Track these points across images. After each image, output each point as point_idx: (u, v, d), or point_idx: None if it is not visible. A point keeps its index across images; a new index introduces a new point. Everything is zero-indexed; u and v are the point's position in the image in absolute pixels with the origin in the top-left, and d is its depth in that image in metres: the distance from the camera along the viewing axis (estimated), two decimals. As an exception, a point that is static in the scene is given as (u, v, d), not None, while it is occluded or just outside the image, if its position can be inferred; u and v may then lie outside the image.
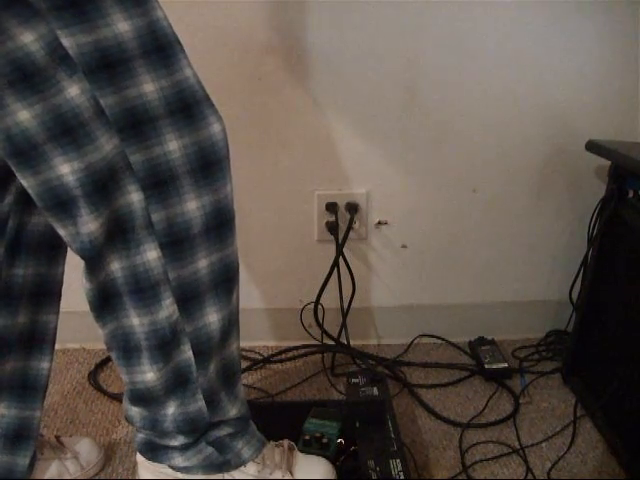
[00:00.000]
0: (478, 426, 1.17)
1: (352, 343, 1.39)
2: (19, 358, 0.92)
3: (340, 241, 1.31)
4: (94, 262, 0.76)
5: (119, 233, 0.76)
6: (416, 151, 1.30)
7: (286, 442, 0.99)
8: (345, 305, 1.36)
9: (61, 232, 0.74)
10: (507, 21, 1.21)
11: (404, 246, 1.39)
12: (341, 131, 1.27)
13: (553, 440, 1.14)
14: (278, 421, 1.04)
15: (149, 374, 0.83)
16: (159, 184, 0.75)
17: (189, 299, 0.81)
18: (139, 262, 0.77)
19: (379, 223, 1.36)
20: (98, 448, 1.06)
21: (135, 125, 0.72)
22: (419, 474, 1.05)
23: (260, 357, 1.39)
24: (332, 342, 1.39)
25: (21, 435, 0.94)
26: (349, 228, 1.32)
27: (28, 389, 0.94)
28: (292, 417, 1.08)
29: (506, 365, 1.32)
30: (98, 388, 1.28)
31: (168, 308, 0.80)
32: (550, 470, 1.06)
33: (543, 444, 1.13)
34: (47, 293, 0.92)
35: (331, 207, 1.32)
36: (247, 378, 1.33)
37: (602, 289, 1.18)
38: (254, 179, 1.31)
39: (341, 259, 1.33)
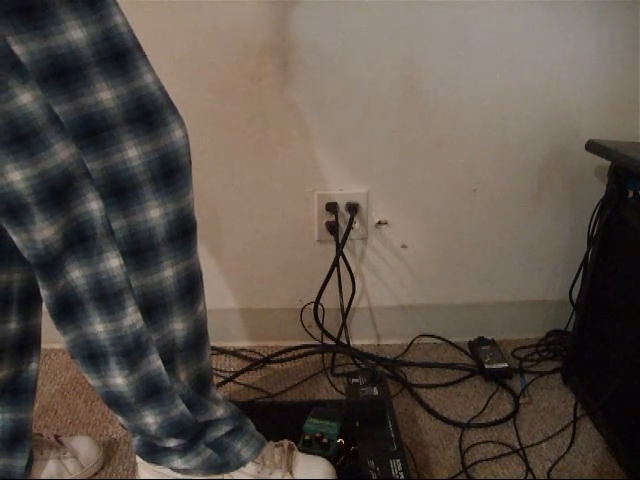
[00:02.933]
0: (478, 426, 1.17)
1: (352, 343, 1.39)
2: (11, 363, 0.92)
3: (340, 241, 1.31)
4: (50, 269, 0.75)
5: (79, 241, 0.75)
6: (416, 151, 1.30)
7: (286, 442, 0.99)
8: (345, 305, 1.36)
9: (14, 238, 0.73)
10: (507, 22, 1.21)
11: (404, 246, 1.39)
12: (341, 131, 1.27)
13: (553, 440, 1.14)
14: (278, 421, 1.04)
15: (118, 379, 0.83)
16: (119, 192, 0.74)
17: (154, 308, 0.81)
18: (101, 270, 0.76)
19: (379, 223, 1.36)
20: (98, 447, 1.06)
21: (92, 133, 0.71)
22: (419, 474, 1.05)
23: (260, 357, 1.39)
24: (332, 342, 1.39)
25: (17, 437, 0.94)
26: (349, 228, 1.32)
27: (20, 392, 0.94)
28: (292, 417, 1.08)
29: (506, 365, 1.32)
30: (98, 388, 1.28)
31: (131, 316, 0.79)
32: (550, 470, 1.06)
33: (543, 444, 1.13)
34: (37, 296, 0.91)
35: (331, 207, 1.32)
36: (247, 378, 1.33)
37: (602, 289, 1.18)
38: (254, 179, 1.31)
39: (341, 259, 1.33)
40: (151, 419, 0.86)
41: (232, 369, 1.35)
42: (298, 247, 1.38)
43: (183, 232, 0.80)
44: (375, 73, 1.23)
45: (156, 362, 0.83)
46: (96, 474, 1.05)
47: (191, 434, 0.90)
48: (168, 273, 0.80)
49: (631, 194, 1.11)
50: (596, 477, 1.05)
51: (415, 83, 1.25)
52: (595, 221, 1.21)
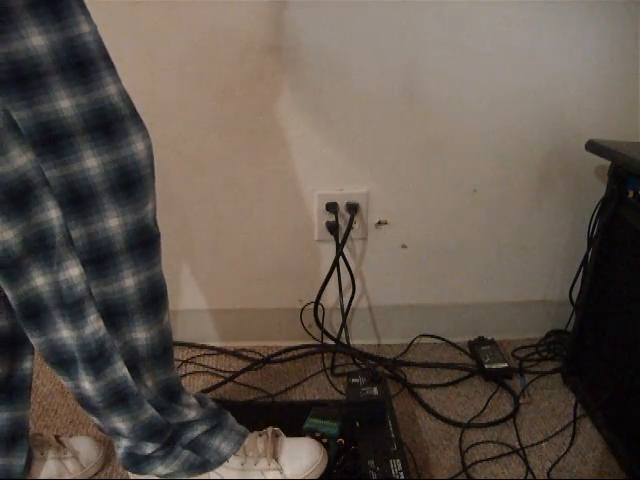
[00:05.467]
0: (478, 426, 1.17)
1: (352, 343, 1.39)
2: (6, 361, 0.92)
3: (340, 241, 1.31)
4: (11, 272, 0.75)
5: (41, 249, 0.75)
6: (416, 151, 1.30)
7: (270, 429, 0.99)
8: (345, 305, 1.36)
9: None
10: (507, 22, 1.21)
11: (404, 246, 1.39)
12: (341, 131, 1.27)
13: (553, 440, 1.14)
14: (278, 421, 1.04)
15: (86, 384, 0.84)
16: (77, 201, 0.74)
17: (115, 315, 0.81)
18: (62, 278, 0.77)
19: (379, 223, 1.36)
20: (98, 447, 1.07)
21: (50, 141, 0.71)
22: (419, 474, 1.05)
23: (260, 357, 1.39)
24: (332, 342, 1.39)
25: (15, 436, 0.94)
26: (349, 228, 1.32)
27: (16, 390, 0.94)
28: (292, 417, 1.08)
29: (506, 365, 1.32)
30: (98, 388, 1.28)
31: (93, 324, 0.79)
32: (550, 470, 1.06)
33: (543, 444, 1.13)
34: None
35: (331, 207, 1.32)
36: (247, 378, 1.33)
37: (602, 289, 1.18)
38: (254, 179, 1.31)
39: (341, 259, 1.33)
40: (121, 424, 0.88)
41: (232, 369, 1.35)
42: (298, 247, 1.38)
43: (143, 242, 0.80)
44: (375, 73, 1.23)
45: (121, 370, 0.84)
46: (96, 474, 1.05)
47: (165, 437, 0.91)
48: (129, 282, 0.80)
49: (631, 194, 1.11)
50: (596, 477, 1.05)
51: (415, 83, 1.25)
52: (595, 221, 1.21)
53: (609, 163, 1.14)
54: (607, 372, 1.15)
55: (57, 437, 1.04)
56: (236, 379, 1.31)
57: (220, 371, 1.34)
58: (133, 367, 0.85)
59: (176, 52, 1.19)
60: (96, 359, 0.81)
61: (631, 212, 1.08)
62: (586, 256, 1.26)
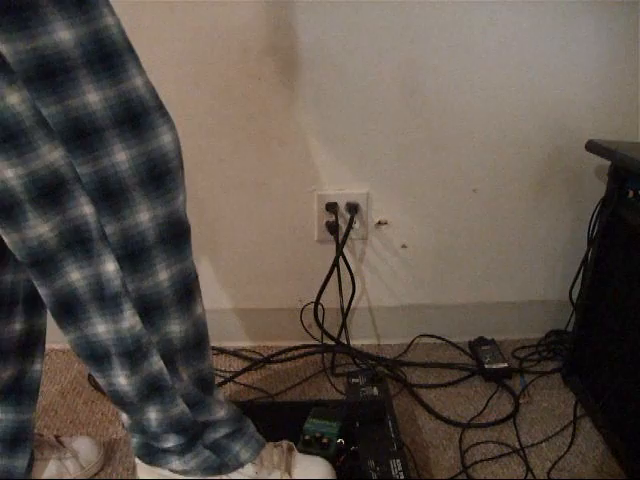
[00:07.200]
0: (478, 426, 1.17)
1: (352, 343, 1.39)
2: (16, 364, 0.92)
3: (340, 241, 1.31)
4: (46, 268, 0.75)
5: (77, 243, 0.75)
6: (416, 151, 1.30)
7: (285, 443, 0.99)
8: (345, 305, 1.36)
9: (6, 239, 0.73)
10: (507, 22, 1.21)
11: (404, 246, 1.39)
12: (341, 131, 1.27)
13: (553, 440, 1.14)
14: (278, 421, 1.04)
15: (120, 378, 0.83)
16: (110, 196, 0.74)
17: (151, 310, 0.81)
18: (100, 272, 0.76)
19: (379, 223, 1.36)
20: (98, 447, 1.06)
21: (80, 136, 0.70)
22: (419, 474, 1.05)
23: (260, 357, 1.39)
24: (332, 342, 1.39)
25: (19, 438, 0.94)
26: (349, 228, 1.32)
27: (24, 392, 0.94)
28: (292, 417, 1.08)
29: (506, 365, 1.32)
30: (98, 388, 1.28)
31: (129, 320, 0.79)
32: (550, 470, 1.06)
33: (543, 444, 1.13)
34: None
35: (331, 207, 1.32)
36: (247, 378, 1.33)
37: (602, 289, 1.18)
38: (254, 179, 1.31)
39: (341, 259, 1.33)
40: (152, 415, 0.87)
41: (232, 369, 1.35)
42: (298, 247, 1.38)
43: (174, 235, 0.80)
44: (375, 73, 1.23)
45: (157, 363, 0.83)
46: (96, 474, 1.05)
47: (190, 434, 0.91)
48: (163, 276, 0.80)
49: (631, 194, 1.11)
50: (596, 477, 1.05)
51: (415, 83, 1.25)
52: (595, 221, 1.21)
53: (609, 163, 1.14)
54: (607, 372, 1.15)
55: (57, 437, 1.04)
56: (236, 379, 1.31)
57: (220, 371, 1.34)
58: (169, 360, 0.84)
59: (176, 52, 1.19)
60: (133, 354, 0.81)
61: (631, 212, 1.08)
62: (586, 256, 1.26)
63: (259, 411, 1.11)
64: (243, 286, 1.41)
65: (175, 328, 0.84)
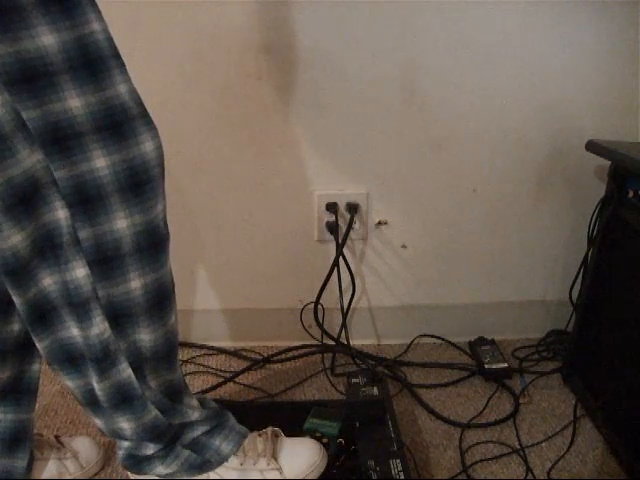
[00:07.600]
0: (478, 426, 1.17)
1: (352, 343, 1.39)
2: (14, 364, 0.92)
3: (340, 241, 1.31)
4: (20, 277, 0.74)
5: (49, 249, 0.75)
6: (416, 151, 1.30)
7: (270, 429, 0.99)
8: (345, 305, 1.36)
9: None
10: (507, 22, 1.21)
11: (404, 246, 1.39)
12: (341, 131, 1.27)
13: (553, 440, 1.14)
14: (278, 421, 1.04)
15: (94, 382, 0.83)
16: (86, 201, 0.73)
17: (120, 317, 0.80)
18: (69, 279, 0.76)
19: (379, 223, 1.36)
20: (98, 447, 1.06)
21: (60, 140, 0.70)
22: (419, 474, 1.05)
23: (260, 357, 1.39)
24: (332, 342, 1.39)
25: (18, 438, 0.94)
26: (349, 228, 1.32)
27: (23, 392, 0.94)
28: (292, 417, 1.08)
29: (506, 365, 1.32)
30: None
31: (98, 326, 0.79)
32: (550, 470, 1.06)
33: (543, 444, 1.13)
34: None
35: (331, 207, 1.32)
36: (247, 378, 1.33)
37: (602, 289, 1.18)
38: (254, 179, 1.31)
39: (341, 259, 1.33)
40: (125, 424, 0.87)
41: (232, 369, 1.35)
42: (298, 247, 1.38)
43: (151, 244, 0.79)
44: (375, 73, 1.23)
45: (126, 371, 0.83)
46: (96, 474, 1.05)
47: (167, 437, 0.91)
48: (135, 284, 0.79)
49: (631, 194, 1.11)
50: (596, 477, 1.05)
51: (415, 83, 1.25)
52: (595, 221, 1.21)
53: (609, 163, 1.14)
54: (607, 372, 1.15)
55: (57, 437, 1.04)
56: (236, 379, 1.31)
57: (220, 371, 1.34)
58: (138, 368, 0.85)
59: (176, 52, 1.19)
60: (101, 360, 0.81)
61: (631, 212, 1.08)
62: (586, 256, 1.26)
63: (259, 411, 1.11)
64: (243, 286, 1.41)
65: (145, 337, 0.83)
